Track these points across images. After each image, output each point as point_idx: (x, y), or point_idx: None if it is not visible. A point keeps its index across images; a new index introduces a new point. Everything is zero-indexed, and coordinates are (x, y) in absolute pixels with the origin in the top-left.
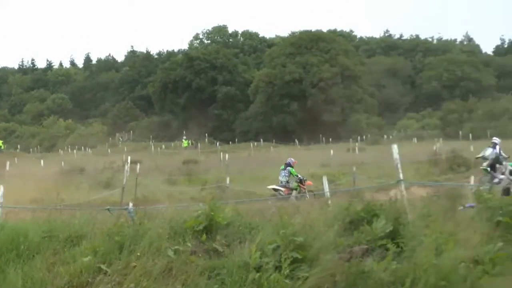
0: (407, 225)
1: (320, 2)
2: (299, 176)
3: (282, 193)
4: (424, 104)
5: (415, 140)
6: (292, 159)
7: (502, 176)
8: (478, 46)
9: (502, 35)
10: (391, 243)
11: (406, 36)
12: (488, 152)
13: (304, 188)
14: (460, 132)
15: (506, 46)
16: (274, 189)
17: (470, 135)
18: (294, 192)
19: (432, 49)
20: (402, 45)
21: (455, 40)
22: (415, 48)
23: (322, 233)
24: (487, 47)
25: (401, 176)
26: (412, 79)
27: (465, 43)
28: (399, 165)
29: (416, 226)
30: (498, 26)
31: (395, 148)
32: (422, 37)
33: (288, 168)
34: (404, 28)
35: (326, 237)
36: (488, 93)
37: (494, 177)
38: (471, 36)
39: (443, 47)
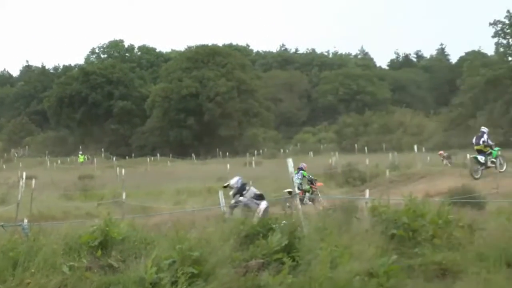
0: (303, 238)
1: (216, 17)
2: (311, 176)
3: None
4: (320, 118)
5: (311, 154)
6: (304, 164)
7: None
8: (373, 60)
9: (397, 49)
10: (286, 257)
11: (302, 50)
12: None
13: (316, 189)
14: (356, 146)
15: (400, 60)
16: (289, 192)
17: (366, 148)
18: (307, 194)
19: (328, 63)
20: (298, 59)
21: (350, 54)
22: (311, 62)
23: (218, 247)
24: (382, 61)
25: (296, 190)
26: (309, 93)
27: (360, 57)
28: (294, 179)
29: (312, 240)
30: (393, 41)
31: (290, 162)
32: (318, 51)
33: (301, 171)
34: (300, 42)
35: (222, 252)
36: (383, 106)
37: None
38: (366, 50)
39: (339, 61)
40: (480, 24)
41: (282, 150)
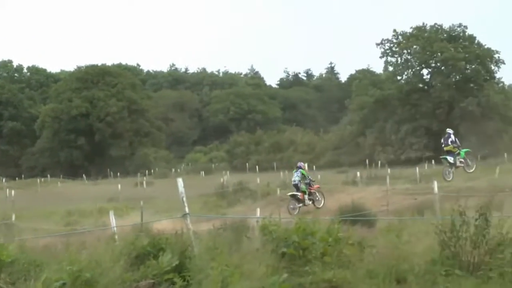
0: (194, 258)
1: (106, 37)
2: (310, 177)
3: (299, 197)
4: (211, 137)
5: (203, 173)
6: (302, 163)
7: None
8: (263, 79)
9: (286, 68)
10: (177, 277)
11: (192, 69)
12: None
13: (314, 190)
14: (247, 164)
15: (290, 79)
16: (292, 195)
17: (257, 167)
18: (306, 196)
19: (218, 83)
20: (189, 79)
21: (241, 73)
22: (202, 82)
23: (109, 268)
24: (272, 80)
25: (187, 209)
26: (200, 112)
27: (250, 76)
28: (184, 199)
29: (203, 259)
30: (282, 59)
31: (180, 181)
32: (209, 70)
33: (299, 170)
34: (190, 62)
35: (113, 273)
36: (274, 125)
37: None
38: (256, 69)
39: (230, 80)
40: (370, 42)
41: (173, 170)
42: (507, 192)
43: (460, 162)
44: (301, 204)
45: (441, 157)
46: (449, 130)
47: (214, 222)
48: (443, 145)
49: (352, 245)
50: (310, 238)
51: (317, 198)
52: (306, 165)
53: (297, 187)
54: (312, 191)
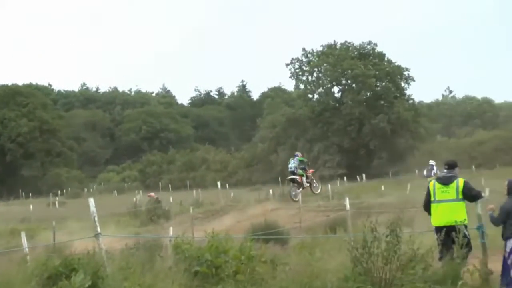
0: (106, 278)
1: (16, 56)
2: (306, 160)
3: (298, 180)
4: (124, 157)
5: (115, 192)
6: (299, 152)
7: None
8: (175, 97)
9: (197, 86)
10: None
11: (104, 89)
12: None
13: (309, 174)
14: (160, 183)
15: (202, 97)
16: (291, 179)
17: (170, 186)
18: (304, 179)
19: (130, 101)
20: (100, 98)
21: (153, 92)
22: (114, 101)
23: None
24: (184, 99)
25: (98, 229)
26: (112, 131)
27: (162, 94)
28: (96, 218)
29: (115, 279)
30: (193, 78)
31: (91, 201)
32: (120, 89)
33: (296, 157)
34: (101, 81)
35: None
36: (186, 144)
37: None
38: (167, 88)
39: (141, 99)
40: (281, 60)
41: (86, 190)
42: (418, 208)
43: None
44: (300, 189)
45: (287, 178)
46: (432, 162)
47: (127, 242)
48: (425, 176)
49: (265, 263)
50: (223, 256)
51: (314, 184)
52: (219, 183)
53: (293, 173)
54: (308, 174)
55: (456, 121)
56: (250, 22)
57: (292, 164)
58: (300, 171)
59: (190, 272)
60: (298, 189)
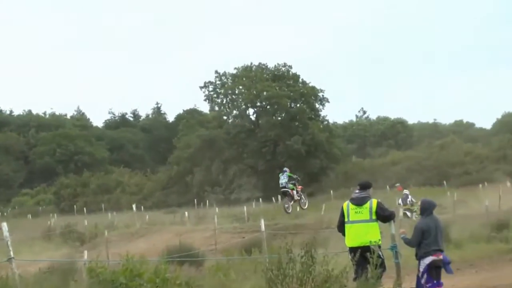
0: None
1: None
2: (294, 176)
3: (290, 193)
4: (38, 180)
5: (29, 216)
6: (287, 168)
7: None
8: (89, 120)
9: (111, 109)
10: None
11: (18, 111)
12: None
13: (299, 189)
14: (75, 206)
15: (117, 119)
16: (283, 192)
17: (85, 209)
18: (295, 192)
19: (45, 124)
20: (14, 121)
21: (67, 114)
22: (28, 124)
23: None
24: (98, 121)
25: (11, 253)
26: (26, 154)
27: (77, 117)
28: (9, 243)
29: None
30: (107, 100)
31: (4, 226)
32: (34, 112)
33: (285, 173)
34: (15, 103)
35: None
36: (101, 166)
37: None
38: (82, 111)
39: (56, 122)
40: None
41: (0, 213)
42: (332, 228)
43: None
44: (292, 202)
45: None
46: (406, 191)
47: (41, 266)
48: (402, 204)
49: (180, 285)
50: (138, 280)
51: (302, 200)
52: (134, 206)
53: (284, 188)
54: (298, 189)
55: (370, 141)
56: (162, 42)
57: (282, 180)
58: (290, 185)
59: None
60: (290, 201)
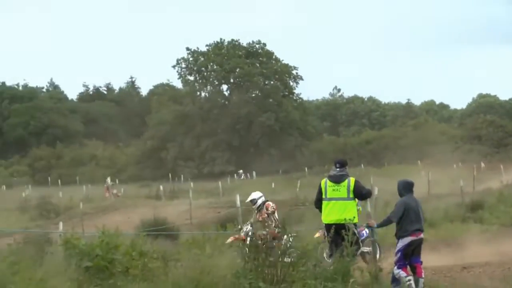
0: None
1: None
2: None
3: None
4: (11, 151)
5: (4, 187)
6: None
7: None
8: (63, 92)
9: (85, 82)
10: None
11: None
12: None
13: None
14: (49, 179)
15: (90, 93)
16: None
17: (59, 181)
18: None
19: (18, 96)
20: None
21: (42, 87)
22: (1, 95)
23: None
24: (72, 94)
25: None
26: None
27: (50, 89)
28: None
29: (5, 274)
30: (81, 73)
31: None
32: (8, 83)
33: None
34: None
35: None
36: (75, 139)
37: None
38: (56, 83)
39: (29, 94)
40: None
41: None
42: (308, 205)
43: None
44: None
45: None
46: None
47: (16, 237)
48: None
49: (156, 259)
50: (114, 252)
51: None
52: (109, 179)
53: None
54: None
55: (343, 120)
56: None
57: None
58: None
59: (81, 268)
60: None
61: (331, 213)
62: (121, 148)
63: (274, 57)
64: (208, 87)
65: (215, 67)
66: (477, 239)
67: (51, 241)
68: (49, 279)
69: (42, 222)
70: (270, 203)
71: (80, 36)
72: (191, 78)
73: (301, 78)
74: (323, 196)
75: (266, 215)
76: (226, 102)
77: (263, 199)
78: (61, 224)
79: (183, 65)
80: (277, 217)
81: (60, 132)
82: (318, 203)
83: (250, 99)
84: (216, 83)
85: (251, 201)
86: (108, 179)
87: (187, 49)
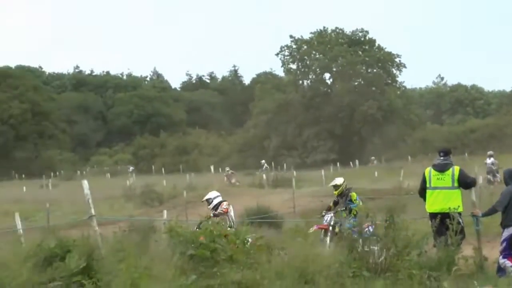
0: (101, 260)
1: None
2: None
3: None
4: (116, 140)
5: (108, 175)
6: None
7: None
8: (167, 81)
9: (188, 71)
10: (86, 279)
11: (97, 72)
12: None
13: None
14: (153, 167)
15: (193, 81)
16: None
17: (163, 170)
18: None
19: (122, 85)
20: (93, 81)
21: (146, 76)
22: (106, 84)
23: (16, 271)
24: (175, 83)
25: (93, 211)
26: (104, 114)
27: (154, 78)
28: (90, 201)
29: (110, 261)
30: (184, 62)
31: (85, 183)
32: (113, 73)
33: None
34: (94, 64)
35: (20, 275)
36: (179, 128)
37: None
38: (159, 72)
39: (133, 83)
40: (272, 44)
41: (79, 172)
42: (412, 194)
43: None
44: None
45: None
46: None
47: (121, 225)
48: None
49: (260, 247)
50: (218, 240)
51: None
52: (212, 167)
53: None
54: None
55: (447, 108)
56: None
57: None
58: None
59: (185, 256)
60: None
61: (435, 202)
62: (224, 137)
63: (377, 45)
64: (311, 75)
65: (317, 55)
66: None
67: (155, 229)
68: (153, 266)
69: (146, 210)
70: (225, 203)
71: (184, 25)
72: (294, 66)
73: (404, 66)
74: (427, 185)
75: (221, 214)
76: (329, 91)
77: (219, 199)
78: (165, 212)
79: (286, 53)
80: (233, 217)
81: (164, 121)
82: (422, 192)
83: (352, 88)
84: (319, 71)
85: (207, 200)
86: (228, 168)
87: (291, 36)
